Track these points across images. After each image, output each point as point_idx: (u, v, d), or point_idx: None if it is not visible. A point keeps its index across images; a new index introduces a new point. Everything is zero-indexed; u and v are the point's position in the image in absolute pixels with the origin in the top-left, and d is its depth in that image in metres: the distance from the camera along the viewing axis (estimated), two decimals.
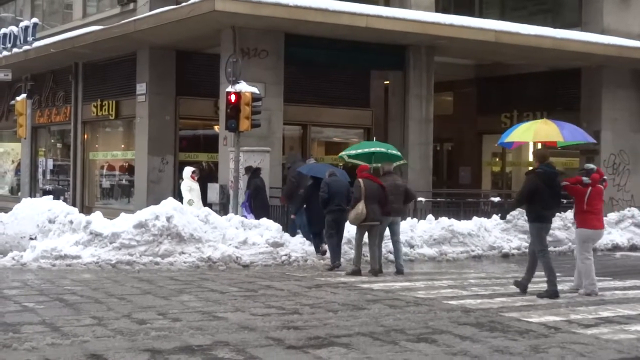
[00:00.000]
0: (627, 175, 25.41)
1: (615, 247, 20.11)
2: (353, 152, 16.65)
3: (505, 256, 18.01)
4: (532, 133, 13.01)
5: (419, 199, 21.02)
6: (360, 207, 13.67)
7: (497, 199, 22.54)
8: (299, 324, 8.89)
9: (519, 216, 19.24)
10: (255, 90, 17.84)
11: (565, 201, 23.16)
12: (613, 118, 25.10)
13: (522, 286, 11.94)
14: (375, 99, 25.24)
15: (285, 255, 15.54)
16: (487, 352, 7.67)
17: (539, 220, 11.78)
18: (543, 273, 11.70)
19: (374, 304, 10.44)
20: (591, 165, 12.60)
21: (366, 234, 14.23)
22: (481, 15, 25.96)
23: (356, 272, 13.84)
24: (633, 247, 20.33)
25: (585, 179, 12.10)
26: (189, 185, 18.70)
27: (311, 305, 10.23)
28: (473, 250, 17.84)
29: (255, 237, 15.71)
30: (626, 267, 16.76)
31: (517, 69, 26.34)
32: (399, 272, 14.25)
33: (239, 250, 15.26)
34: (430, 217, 18.56)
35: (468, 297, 11.28)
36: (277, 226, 16.17)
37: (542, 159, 11.94)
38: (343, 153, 17.06)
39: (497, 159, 29.31)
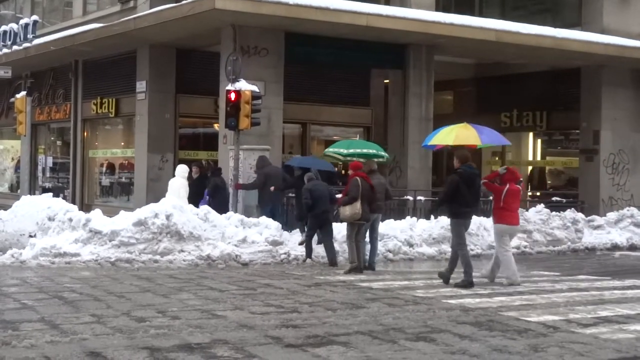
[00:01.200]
0: (627, 174, 25.41)
1: (615, 247, 20.13)
2: (343, 150, 16.81)
3: None
4: (453, 137, 13.81)
5: (419, 197, 21.08)
6: (358, 206, 13.81)
7: None
8: (297, 322, 8.89)
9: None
10: (255, 88, 17.85)
11: (557, 199, 23.34)
12: (613, 118, 25.11)
13: (445, 278, 12.59)
14: (375, 97, 25.24)
15: (285, 253, 15.56)
16: (486, 351, 7.67)
17: (459, 217, 12.52)
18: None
19: (373, 303, 10.44)
20: (504, 168, 13.38)
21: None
22: (481, 14, 25.94)
23: (354, 269, 13.93)
24: (632, 247, 20.34)
25: (501, 169, 13.19)
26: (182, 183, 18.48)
27: (310, 304, 10.23)
28: (472, 250, 17.81)
29: (255, 235, 15.72)
30: (625, 267, 16.76)
31: (517, 69, 26.33)
32: (371, 268, 14.56)
33: (238, 249, 15.27)
34: (430, 216, 18.58)
35: (467, 296, 11.28)
36: (276, 224, 16.19)
37: (463, 160, 12.68)
38: (330, 150, 17.23)
39: (497, 158, 29.27)
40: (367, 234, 14.80)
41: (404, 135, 22.68)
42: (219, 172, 18.95)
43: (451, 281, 12.48)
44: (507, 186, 12.69)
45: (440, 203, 13.38)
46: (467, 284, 12.24)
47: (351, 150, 16.72)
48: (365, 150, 16.73)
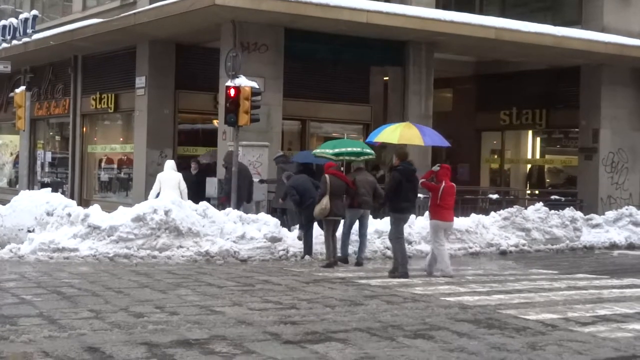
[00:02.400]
0: (626, 173, 25.41)
1: (613, 246, 20.12)
2: (329, 150, 16.99)
3: (503, 253, 18.01)
4: (398, 135, 14.59)
5: (418, 195, 21.05)
6: (325, 201, 14.28)
7: (495, 196, 22.54)
8: (296, 319, 8.89)
9: (517, 213, 19.27)
10: (254, 84, 17.83)
11: (556, 198, 23.40)
12: (612, 116, 25.10)
13: (396, 272, 13.11)
14: (374, 94, 25.21)
15: (283, 250, 15.55)
16: (484, 348, 7.67)
17: (399, 212, 13.31)
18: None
19: (372, 300, 10.45)
20: (438, 165, 14.06)
21: None
22: (481, 12, 25.92)
23: (331, 265, 14.35)
24: (631, 246, 20.33)
25: (435, 167, 13.93)
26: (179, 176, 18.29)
27: (308, 301, 10.23)
28: (471, 247, 17.83)
29: (253, 231, 15.71)
30: (624, 266, 16.77)
31: (516, 67, 26.32)
32: (359, 264, 14.74)
33: (237, 245, 15.26)
34: (427, 213, 18.53)
35: (465, 294, 11.29)
36: (275, 221, 16.18)
37: (402, 157, 13.48)
38: (318, 151, 17.32)
39: (496, 156, 29.31)
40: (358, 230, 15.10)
41: None
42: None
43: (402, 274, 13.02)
44: (444, 184, 13.36)
45: (385, 201, 13.82)
46: (403, 274, 12.92)
47: (337, 150, 16.94)
48: (350, 149, 16.88)
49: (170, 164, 18.26)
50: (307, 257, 15.27)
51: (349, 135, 24.66)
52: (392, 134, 14.72)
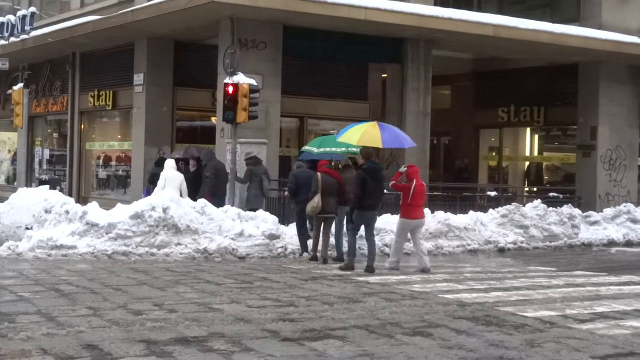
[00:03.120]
0: (624, 170, 25.43)
1: (611, 243, 20.14)
2: (315, 149, 17.27)
3: (501, 250, 18.03)
4: (358, 137, 15.00)
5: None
6: (316, 199, 14.48)
7: (493, 193, 22.56)
8: (294, 316, 8.89)
9: (515, 211, 19.29)
10: (252, 81, 17.83)
11: (554, 195, 23.44)
12: (610, 113, 25.12)
13: (370, 268, 13.41)
14: (372, 91, 25.21)
15: (282, 247, 15.56)
16: (483, 346, 7.68)
17: (363, 209, 13.70)
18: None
19: (370, 297, 10.45)
20: (405, 166, 14.42)
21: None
22: (479, 9, 25.92)
23: (314, 259, 14.71)
24: (628, 243, 20.36)
25: (402, 168, 14.27)
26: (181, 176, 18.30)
27: (307, 298, 10.24)
28: (469, 244, 17.85)
29: (252, 229, 15.71)
30: (622, 263, 16.79)
31: (514, 64, 26.34)
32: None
33: (235, 242, 15.26)
34: (426, 210, 18.54)
35: (464, 291, 11.29)
36: (273, 218, 16.18)
37: (367, 156, 13.98)
38: (306, 148, 17.39)
39: (494, 153, 29.34)
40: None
41: (401, 130, 22.61)
42: (161, 162, 19.14)
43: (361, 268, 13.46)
44: (414, 183, 13.76)
45: (354, 201, 13.99)
46: (349, 267, 13.47)
47: (321, 150, 17.07)
48: (334, 149, 16.94)
49: (171, 163, 18.15)
50: (305, 254, 15.27)
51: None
52: (354, 135, 15.19)
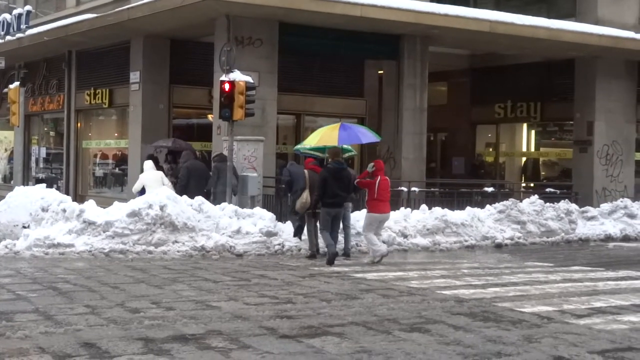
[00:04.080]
0: (620, 166, 25.44)
1: (608, 238, 20.16)
2: (308, 146, 17.26)
3: (499, 246, 18.04)
4: (318, 138, 15.97)
5: (413, 189, 21.09)
6: (305, 195, 14.90)
7: (490, 189, 22.56)
8: (292, 313, 8.90)
9: (512, 206, 19.30)
10: (249, 79, 17.81)
11: (551, 190, 23.41)
12: (607, 109, 25.13)
13: (331, 257, 13.99)
14: (369, 88, 25.20)
15: (279, 244, 15.56)
16: (480, 341, 7.68)
17: (325, 206, 14.37)
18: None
19: (368, 294, 10.45)
20: (372, 165, 14.83)
21: None
22: (476, 5, 25.91)
23: (313, 255, 14.85)
24: (626, 238, 20.38)
25: (369, 167, 14.78)
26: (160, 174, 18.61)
27: (304, 295, 10.24)
28: (466, 241, 17.86)
29: (249, 226, 15.71)
30: (619, 258, 16.81)
31: (511, 60, 26.33)
32: (346, 254, 15.09)
33: (233, 240, 15.26)
34: (423, 207, 18.58)
35: (461, 287, 11.30)
36: (270, 215, 16.19)
37: (332, 156, 14.71)
38: (298, 146, 17.51)
39: (491, 149, 29.34)
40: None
41: (398, 126, 22.68)
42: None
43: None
44: (379, 178, 14.39)
45: (316, 197, 14.55)
46: (330, 259, 13.96)
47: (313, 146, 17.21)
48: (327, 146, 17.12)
49: (150, 164, 18.66)
50: (296, 238, 15.58)
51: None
52: (315, 137, 16.18)
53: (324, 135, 15.92)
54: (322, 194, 14.29)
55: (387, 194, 14.63)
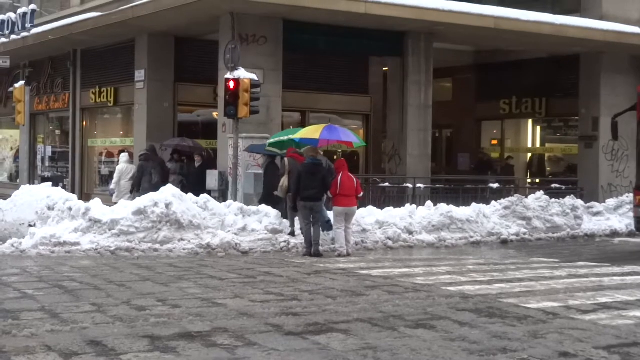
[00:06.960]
0: (626, 161, 25.35)
1: (614, 233, 20.15)
2: (272, 140, 17.74)
3: (504, 242, 18.04)
4: (301, 134, 16.69)
5: (418, 185, 21.10)
6: (283, 180, 15.73)
7: (495, 186, 22.56)
8: (297, 310, 8.90)
9: (517, 202, 19.29)
10: (254, 76, 17.84)
11: (557, 186, 23.38)
12: (612, 104, 24.99)
13: (317, 252, 14.81)
14: (374, 85, 25.21)
15: (284, 241, 15.58)
16: (486, 337, 7.68)
17: (303, 200, 14.98)
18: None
19: (373, 290, 10.45)
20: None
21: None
22: (480, 1, 25.83)
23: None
24: (631, 233, 20.31)
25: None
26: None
27: (310, 292, 10.24)
28: (472, 237, 17.86)
29: (255, 223, 15.73)
30: (624, 253, 16.79)
31: (516, 56, 26.29)
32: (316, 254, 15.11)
33: (238, 237, 15.28)
34: (429, 203, 18.58)
35: (467, 284, 11.29)
36: (276, 213, 16.20)
37: (308, 153, 15.40)
38: (270, 141, 17.85)
39: (496, 146, 29.30)
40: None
41: (403, 123, 22.68)
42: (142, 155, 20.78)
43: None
44: (341, 175, 15.08)
45: (294, 197, 15.31)
46: (316, 253, 14.70)
47: (275, 140, 17.68)
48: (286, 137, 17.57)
49: (126, 157, 21.09)
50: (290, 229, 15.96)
51: (349, 127, 24.64)
52: (299, 133, 16.83)
53: (308, 132, 16.64)
54: (296, 189, 15.00)
55: (350, 189, 15.17)
